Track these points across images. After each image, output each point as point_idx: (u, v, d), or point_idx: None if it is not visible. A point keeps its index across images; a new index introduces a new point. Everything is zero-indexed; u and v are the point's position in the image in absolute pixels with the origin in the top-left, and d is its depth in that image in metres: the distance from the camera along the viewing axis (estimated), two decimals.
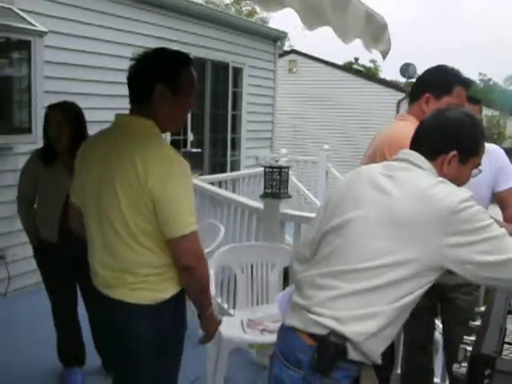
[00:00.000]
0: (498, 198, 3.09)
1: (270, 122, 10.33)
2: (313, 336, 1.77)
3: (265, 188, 4.03)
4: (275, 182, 3.96)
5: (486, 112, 31.34)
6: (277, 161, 4.04)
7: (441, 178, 1.85)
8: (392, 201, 1.79)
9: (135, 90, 2.21)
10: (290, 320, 1.88)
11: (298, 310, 1.86)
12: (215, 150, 9.00)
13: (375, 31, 2.97)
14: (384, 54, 3.13)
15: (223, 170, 8.45)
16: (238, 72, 9.26)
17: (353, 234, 1.83)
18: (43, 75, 5.32)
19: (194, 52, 7.93)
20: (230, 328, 3.49)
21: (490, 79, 53.93)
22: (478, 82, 54.67)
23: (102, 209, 2.17)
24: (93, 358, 3.86)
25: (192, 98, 2.27)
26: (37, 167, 3.56)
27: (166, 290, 2.20)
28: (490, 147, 3.19)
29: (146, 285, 2.18)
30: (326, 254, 1.89)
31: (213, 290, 3.45)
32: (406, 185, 1.82)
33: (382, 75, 44.47)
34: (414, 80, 24.50)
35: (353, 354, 1.73)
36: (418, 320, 3.24)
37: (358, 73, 19.61)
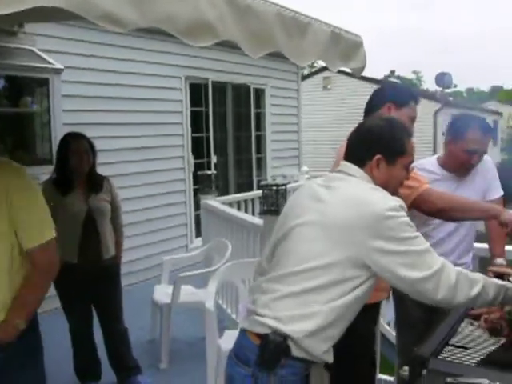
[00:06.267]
0: None
1: (296, 141, 10.47)
2: (258, 335, 1.91)
3: (264, 205, 4.17)
4: (273, 200, 4.10)
5: None
6: (274, 179, 4.17)
7: (373, 185, 1.99)
8: (326, 207, 1.93)
9: None
10: (243, 323, 2.06)
11: (249, 314, 2.02)
12: (240, 171, 9.18)
13: (344, 50, 3.10)
14: (356, 72, 3.24)
15: (249, 190, 8.58)
16: (260, 93, 9.46)
17: (292, 240, 1.99)
18: (62, 109, 5.62)
19: (213, 77, 8.19)
20: (231, 340, 3.61)
21: None
22: None
23: None
24: (108, 374, 4.09)
25: None
26: (53, 196, 3.67)
27: None
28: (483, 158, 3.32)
29: None
30: (274, 263, 2.06)
31: (211, 304, 3.60)
32: (340, 192, 1.97)
33: (424, 86, 44.03)
34: (450, 89, 24.28)
35: (296, 352, 1.85)
36: (413, 331, 3.32)
37: None
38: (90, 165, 3.84)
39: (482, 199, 3.18)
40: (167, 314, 4.55)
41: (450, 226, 3.08)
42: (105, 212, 3.91)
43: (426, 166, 3.14)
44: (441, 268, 1.83)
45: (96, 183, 3.91)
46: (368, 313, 2.49)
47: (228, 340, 3.63)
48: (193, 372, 4.24)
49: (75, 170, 3.80)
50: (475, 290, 1.86)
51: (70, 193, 3.78)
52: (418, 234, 1.88)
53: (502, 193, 3.29)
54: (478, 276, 1.92)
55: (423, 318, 3.26)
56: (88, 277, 3.83)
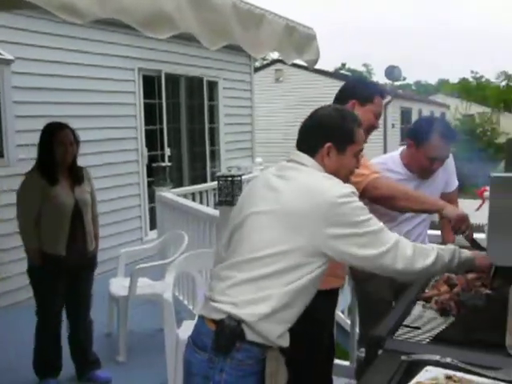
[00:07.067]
0: (445, 198, 3.29)
1: (250, 132, 10.52)
2: (214, 321, 1.96)
3: (219, 196, 4.21)
4: (228, 190, 4.14)
5: (478, 109, 31.54)
6: (229, 170, 4.21)
7: (324, 174, 2.05)
8: (280, 196, 1.99)
9: None
10: (200, 310, 2.10)
11: (206, 301, 2.07)
12: (194, 163, 9.17)
13: (298, 43, 3.16)
14: (310, 64, 3.31)
15: (203, 182, 8.58)
16: (213, 86, 9.46)
17: (248, 228, 2.04)
18: (12, 100, 5.52)
19: (166, 69, 8.16)
20: (189, 331, 3.63)
21: (482, 76, 54.23)
22: (470, 79, 55.00)
23: None
24: (66, 369, 4.05)
25: None
26: (41, 186, 3.72)
27: None
28: None
29: None
30: (231, 250, 2.10)
31: (169, 295, 3.62)
32: (293, 181, 2.02)
33: (374, 79, 44.83)
34: (399, 82, 24.75)
35: (251, 336, 1.90)
36: (375, 314, 3.42)
37: (343, 78, 19.80)
38: (73, 156, 3.83)
39: (441, 193, 3.28)
40: (124, 307, 4.54)
41: (414, 221, 3.18)
42: (88, 203, 3.93)
43: (390, 166, 3.18)
44: (396, 242, 1.94)
45: (78, 174, 3.90)
46: (327, 299, 2.60)
47: (186, 330, 3.65)
48: (152, 363, 4.25)
49: (60, 161, 3.76)
50: (431, 257, 1.98)
51: (56, 184, 3.75)
52: (370, 215, 1.96)
53: (457, 184, 3.40)
54: (431, 245, 2.08)
55: (387, 309, 3.37)
56: (74, 270, 3.83)
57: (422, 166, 3.12)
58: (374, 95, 2.86)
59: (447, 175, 3.30)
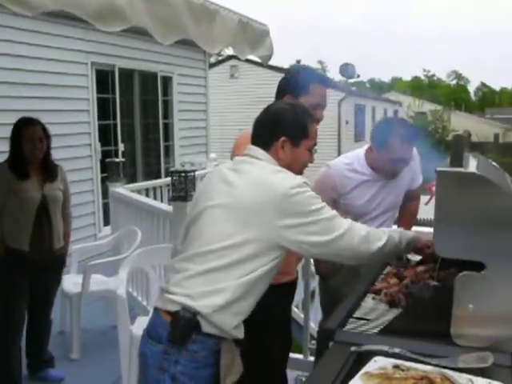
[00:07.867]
0: (409, 194, 3.35)
1: (204, 128, 10.50)
2: (169, 313, 1.96)
3: (173, 192, 4.20)
4: (182, 186, 4.14)
5: (430, 107, 32.22)
6: (183, 166, 4.20)
7: (278, 167, 2.08)
8: (234, 189, 2.01)
9: None
10: (156, 302, 2.10)
11: (162, 293, 2.07)
12: (148, 159, 9.13)
13: (252, 38, 3.17)
14: (264, 59, 3.33)
15: (158, 178, 8.54)
16: (167, 81, 9.42)
17: (203, 221, 2.05)
18: None
19: (120, 63, 8.07)
20: (143, 326, 3.62)
21: (433, 75, 55.42)
22: (422, 77, 56.16)
23: None
24: None
25: None
26: (8, 179, 3.68)
27: None
28: None
29: None
30: (187, 244, 2.12)
31: (123, 291, 3.60)
32: (247, 175, 2.05)
33: (329, 75, 45.26)
34: (353, 79, 25.14)
35: (207, 328, 1.92)
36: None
37: None
38: (44, 152, 3.77)
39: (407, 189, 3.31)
40: (77, 304, 4.49)
41: (380, 219, 3.18)
42: (58, 201, 3.88)
43: (356, 166, 3.14)
44: (350, 226, 2.00)
45: (51, 171, 3.85)
46: (282, 292, 2.62)
47: (140, 326, 3.59)
48: (105, 360, 4.21)
49: (29, 157, 3.72)
50: (384, 238, 2.07)
51: (25, 179, 3.70)
52: (323, 204, 2.01)
53: (421, 180, 3.38)
54: (381, 229, 2.17)
55: None
56: (38, 266, 3.77)
57: (385, 168, 3.10)
58: (308, 85, 2.67)
59: (412, 172, 3.28)
